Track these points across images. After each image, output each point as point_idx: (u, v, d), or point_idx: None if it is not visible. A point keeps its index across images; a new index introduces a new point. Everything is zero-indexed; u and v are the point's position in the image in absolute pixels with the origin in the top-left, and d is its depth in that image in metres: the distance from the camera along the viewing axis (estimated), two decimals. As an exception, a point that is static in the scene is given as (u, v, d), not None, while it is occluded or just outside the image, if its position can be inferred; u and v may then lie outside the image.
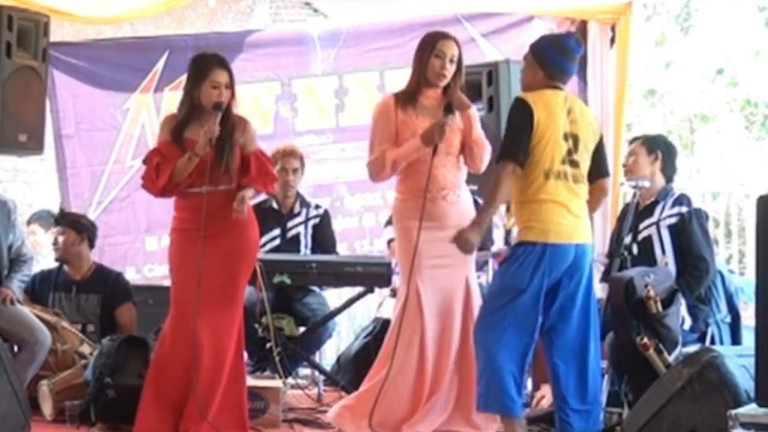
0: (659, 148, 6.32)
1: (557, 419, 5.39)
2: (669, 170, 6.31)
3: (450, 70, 5.75)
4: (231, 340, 5.64)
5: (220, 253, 5.56)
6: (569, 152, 5.32)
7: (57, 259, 6.94)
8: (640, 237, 6.21)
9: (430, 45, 5.76)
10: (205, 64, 5.65)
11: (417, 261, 5.68)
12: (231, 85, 5.65)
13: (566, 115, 5.33)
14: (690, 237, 6.11)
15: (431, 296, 5.71)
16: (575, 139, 5.34)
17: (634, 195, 6.24)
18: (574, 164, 5.35)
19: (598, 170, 5.49)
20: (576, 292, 5.37)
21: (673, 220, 6.17)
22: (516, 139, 5.29)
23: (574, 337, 5.37)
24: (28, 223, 8.46)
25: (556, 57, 5.40)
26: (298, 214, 7.24)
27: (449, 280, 5.70)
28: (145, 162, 5.75)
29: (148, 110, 7.91)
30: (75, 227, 6.91)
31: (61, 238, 6.89)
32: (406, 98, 5.77)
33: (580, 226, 5.41)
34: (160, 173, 5.58)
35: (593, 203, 5.52)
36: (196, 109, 5.64)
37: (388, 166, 5.75)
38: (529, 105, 5.28)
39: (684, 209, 6.16)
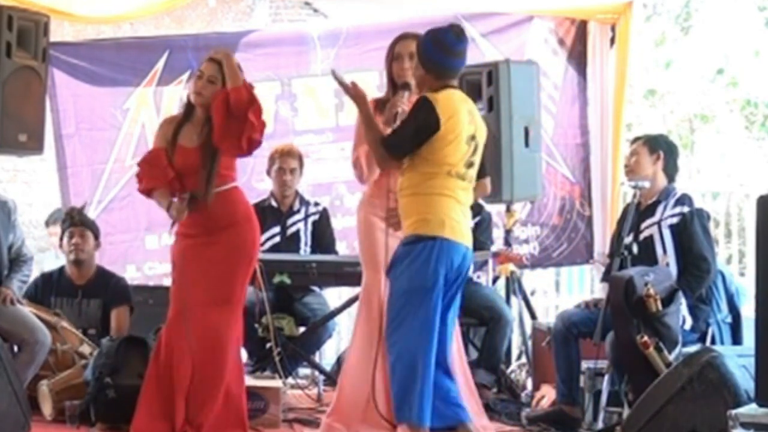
0: (661, 147, 6.33)
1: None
2: (671, 170, 6.31)
3: (412, 65, 5.61)
4: (229, 341, 5.63)
5: (219, 255, 5.56)
6: (471, 155, 5.28)
7: (75, 261, 6.81)
8: (642, 237, 6.21)
9: (389, 51, 5.76)
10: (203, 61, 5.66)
11: (381, 259, 5.61)
12: (218, 80, 5.52)
13: (468, 116, 5.26)
14: (691, 237, 6.12)
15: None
16: (476, 142, 5.29)
17: (635, 195, 6.24)
18: (471, 166, 5.30)
19: (481, 170, 5.48)
20: (456, 295, 5.31)
21: (674, 220, 6.17)
22: (408, 138, 5.21)
23: (447, 340, 5.31)
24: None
25: (437, 56, 5.26)
26: (298, 211, 7.26)
27: None
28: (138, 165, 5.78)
29: (148, 110, 7.90)
30: (93, 230, 6.85)
31: (80, 240, 6.77)
32: (383, 102, 5.74)
33: (469, 229, 5.34)
34: (143, 180, 5.62)
35: (474, 197, 5.50)
36: (192, 107, 5.63)
37: (363, 160, 5.71)
38: (436, 111, 5.16)
39: (686, 209, 6.17)
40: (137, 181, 5.73)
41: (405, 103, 5.56)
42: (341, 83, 5.46)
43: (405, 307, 5.19)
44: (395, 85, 5.73)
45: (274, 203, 7.25)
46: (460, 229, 5.24)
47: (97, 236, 6.86)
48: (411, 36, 5.70)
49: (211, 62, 5.57)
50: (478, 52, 7.87)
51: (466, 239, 5.28)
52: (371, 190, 5.77)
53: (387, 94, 5.77)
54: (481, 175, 5.51)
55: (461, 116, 5.22)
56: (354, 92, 5.45)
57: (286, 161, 7.19)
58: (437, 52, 5.25)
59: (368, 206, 5.74)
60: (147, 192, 5.65)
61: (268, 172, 7.25)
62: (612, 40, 8.19)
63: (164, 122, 5.81)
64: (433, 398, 5.19)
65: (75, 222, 6.82)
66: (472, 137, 5.27)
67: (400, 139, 5.25)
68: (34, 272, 6.85)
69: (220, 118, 5.46)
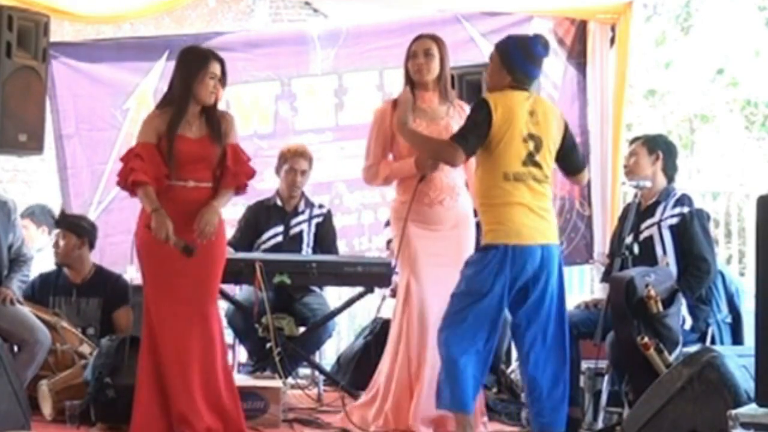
0: (660, 148, 6.32)
1: (532, 419, 5.50)
2: (670, 170, 6.31)
3: (427, 62, 5.87)
4: (216, 339, 5.62)
5: (202, 252, 5.54)
6: (531, 154, 5.36)
7: (57, 264, 6.92)
8: (642, 237, 6.21)
9: (407, 51, 5.93)
10: (203, 56, 5.65)
11: (414, 260, 5.80)
12: (223, 81, 5.66)
13: (528, 116, 5.36)
14: (691, 237, 6.12)
15: (430, 291, 5.78)
16: (538, 141, 5.37)
17: (635, 195, 6.24)
18: (537, 165, 5.39)
19: (573, 164, 5.61)
20: (545, 293, 5.40)
21: (674, 220, 6.17)
22: (471, 133, 5.37)
23: (551, 340, 5.43)
24: (21, 216, 8.44)
25: (524, 63, 5.43)
26: (302, 212, 7.25)
27: (446, 278, 5.68)
28: (122, 160, 5.70)
29: (148, 110, 7.81)
30: (75, 231, 6.88)
31: (62, 242, 6.87)
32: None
33: (545, 226, 5.44)
34: (134, 172, 5.52)
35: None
36: (189, 103, 5.62)
37: (381, 178, 5.96)
38: (489, 106, 5.34)
39: (686, 209, 6.16)
40: (124, 175, 5.59)
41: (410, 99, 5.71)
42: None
43: (456, 306, 5.38)
44: (412, 83, 5.86)
45: (279, 202, 7.24)
46: (529, 232, 5.36)
47: (80, 235, 6.87)
48: (427, 36, 5.95)
49: (216, 61, 5.62)
50: (478, 52, 7.87)
51: (538, 238, 5.38)
52: (400, 195, 5.91)
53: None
54: (575, 169, 5.62)
55: (516, 115, 5.32)
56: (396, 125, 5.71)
57: (298, 162, 7.17)
58: (524, 58, 5.43)
59: (401, 212, 5.85)
60: (134, 185, 5.54)
61: (277, 171, 7.23)
62: (612, 40, 8.19)
63: (152, 117, 5.70)
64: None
65: (59, 224, 6.97)
66: (531, 136, 5.35)
67: (467, 136, 5.38)
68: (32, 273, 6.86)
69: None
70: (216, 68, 5.61)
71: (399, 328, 5.88)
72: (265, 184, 7.47)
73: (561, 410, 5.46)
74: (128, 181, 5.55)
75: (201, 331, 5.55)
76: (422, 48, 5.86)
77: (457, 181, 5.88)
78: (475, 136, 5.35)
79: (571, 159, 5.59)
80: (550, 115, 5.47)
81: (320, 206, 7.36)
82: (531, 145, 5.35)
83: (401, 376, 5.83)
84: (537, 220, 5.38)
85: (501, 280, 5.32)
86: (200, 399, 5.52)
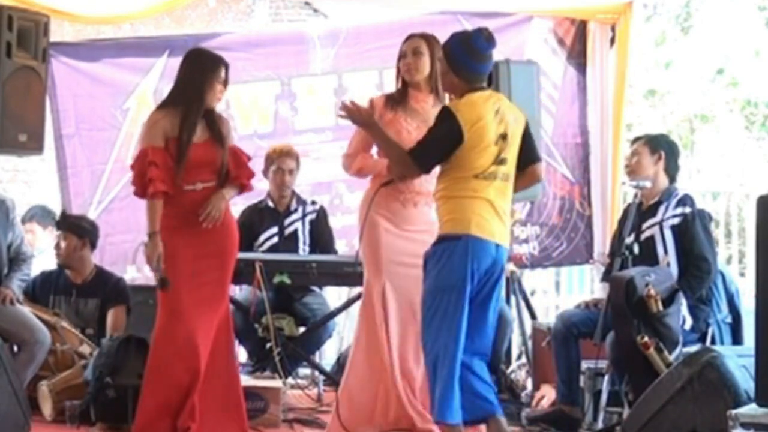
0: (662, 147, 6.32)
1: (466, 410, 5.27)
2: (672, 170, 6.31)
3: (415, 61, 5.72)
4: (229, 337, 5.66)
5: (209, 252, 5.56)
6: (499, 153, 5.24)
7: (59, 265, 6.92)
8: (643, 237, 6.20)
9: (399, 52, 5.84)
10: (214, 61, 5.64)
11: (382, 258, 5.68)
12: (226, 84, 5.72)
13: (494, 116, 5.22)
14: (693, 238, 6.11)
15: (394, 293, 5.67)
16: (504, 138, 5.25)
17: (636, 195, 6.24)
18: (503, 162, 5.26)
19: (528, 156, 5.39)
20: (492, 292, 5.29)
21: (676, 220, 6.17)
22: (433, 149, 5.23)
23: (488, 338, 5.32)
24: (23, 221, 8.44)
25: (467, 61, 5.24)
26: (295, 211, 7.25)
27: (411, 280, 5.58)
28: (133, 168, 5.65)
29: (148, 110, 7.82)
30: (76, 232, 6.88)
31: (63, 244, 6.86)
32: (396, 100, 5.79)
33: (502, 228, 5.30)
34: (155, 183, 5.48)
35: (522, 186, 5.44)
36: (201, 107, 5.61)
37: (354, 169, 5.84)
38: (455, 116, 5.16)
39: (687, 210, 6.16)
40: (142, 183, 5.55)
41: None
42: (347, 116, 5.50)
43: (432, 307, 5.21)
44: (404, 83, 5.80)
45: (270, 204, 7.24)
46: (488, 227, 5.21)
47: (81, 236, 6.87)
48: (417, 35, 5.83)
49: (224, 67, 5.63)
50: (477, 52, 7.86)
51: (497, 236, 5.25)
52: (374, 188, 5.74)
53: (398, 90, 5.84)
54: (529, 161, 5.41)
55: (486, 120, 5.19)
56: (360, 118, 5.49)
57: (284, 162, 7.18)
58: (468, 56, 5.24)
59: (371, 204, 5.71)
60: (153, 197, 5.49)
61: (265, 173, 7.21)
62: (612, 40, 8.19)
63: (157, 119, 5.62)
64: (464, 392, 5.20)
65: (59, 226, 6.94)
66: (503, 136, 5.24)
67: (426, 151, 5.25)
68: (34, 272, 6.86)
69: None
70: (224, 74, 5.65)
71: (373, 330, 5.69)
72: (265, 184, 7.47)
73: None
74: (148, 192, 5.51)
75: (219, 331, 5.58)
76: (411, 47, 5.76)
77: (429, 187, 5.63)
78: (436, 153, 5.21)
79: (529, 149, 5.38)
80: (511, 109, 5.34)
81: (313, 203, 7.35)
82: (500, 145, 5.23)
83: (373, 379, 5.68)
84: (496, 220, 5.25)
85: (469, 269, 5.15)
86: (211, 393, 5.55)
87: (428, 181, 5.61)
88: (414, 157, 5.26)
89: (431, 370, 5.22)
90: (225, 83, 5.66)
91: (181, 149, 5.50)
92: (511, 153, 5.29)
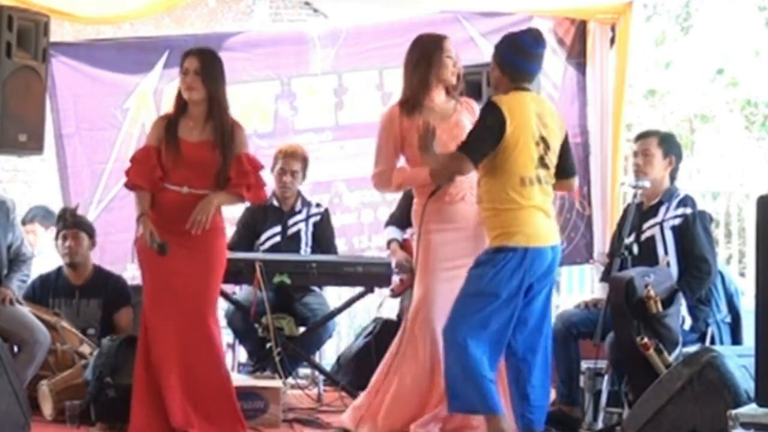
0: (674, 152, 6.29)
1: (518, 418, 5.41)
2: (675, 172, 6.31)
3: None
4: (214, 341, 5.64)
5: (193, 255, 5.56)
6: (541, 156, 5.34)
7: (69, 264, 6.85)
8: (644, 237, 6.20)
9: (439, 47, 5.80)
10: (183, 55, 5.70)
11: (432, 264, 5.70)
12: (209, 74, 5.63)
13: (537, 119, 5.32)
14: (693, 238, 6.11)
15: (446, 298, 5.59)
16: (546, 143, 5.35)
17: (635, 195, 6.23)
18: (546, 167, 5.37)
19: (565, 169, 5.52)
20: (541, 291, 5.42)
21: (677, 221, 6.17)
22: (481, 140, 5.31)
23: (537, 333, 5.42)
24: (24, 222, 8.43)
25: (514, 58, 5.37)
26: (299, 212, 7.25)
27: (460, 281, 5.57)
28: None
29: (148, 110, 7.89)
30: (87, 231, 6.85)
31: (73, 242, 6.79)
32: (411, 105, 5.78)
33: (553, 227, 5.47)
34: (129, 175, 5.66)
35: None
36: (185, 104, 5.67)
37: (394, 185, 5.86)
38: (503, 113, 5.26)
39: (688, 211, 6.16)
40: (125, 174, 5.74)
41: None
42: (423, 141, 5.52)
43: (471, 309, 5.29)
44: (436, 80, 5.78)
45: (275, 203, 7.24)
46: (542, 234, 5.35)
47: (91, 235, 6.86)
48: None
49: (192, 57, 5.64)
50: (477, 52, 7.87)
51: (550, 239, 5.39)
52: (419, 198, 5.78)
53: (414, 90, 5.81)
54: (566, 174, 5.54)
55: (528, 119, 5.28)
56: (425, 143, 5.51)
57: (288, 163, 7.17)
58: (514, 54, 5.37)
59: (422, 219, 5.72)
60: (129, 189, 5.71)
61: (272, 170, 7.23)
62: (612, 40, 8.19)
63: (158, 120, 5.83)
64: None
65: (68, 224, 6.84)
66: (542, 138, 5.32)
67: (476, 144, 5.31)
68: (33, 273, 6.84)
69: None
70: (191, 63, 5.62)
71: (411, 336, 5.74)
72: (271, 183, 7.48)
73: (543, 408, 5.47)
74: (126, 185, 5.69)
75: (198, 333, 5.55)
76: (455, 52, 5.80)
77: (472, 176, 5.71)
78: (486, 145, 5.29)
79: (566, 163, 5.54)
80: (553, 114, 5.47)
81: (317, 205, 7.36)
82: (542, 148, 5.34)
83: (410, 386, 5.72)
84: (548, 222, 5.40)
85: (517, 281, 5.28)
86: (186, 401, 5.54)
87: (468, 175, 5.62)
88: (465, 152, 5.33)
89: (455, 363, 5.29)
90: (197, 68, 5.60)
91: (166, 145, 5.58)
92: (552, 160, 5.38)
